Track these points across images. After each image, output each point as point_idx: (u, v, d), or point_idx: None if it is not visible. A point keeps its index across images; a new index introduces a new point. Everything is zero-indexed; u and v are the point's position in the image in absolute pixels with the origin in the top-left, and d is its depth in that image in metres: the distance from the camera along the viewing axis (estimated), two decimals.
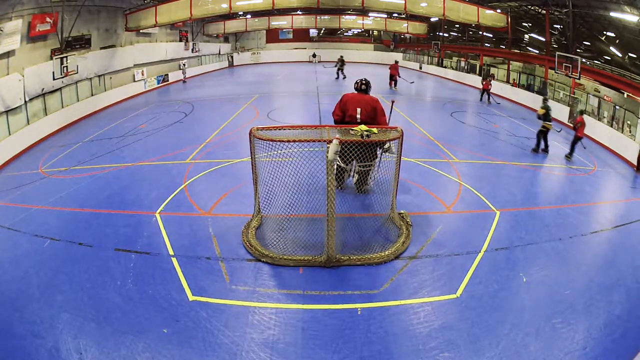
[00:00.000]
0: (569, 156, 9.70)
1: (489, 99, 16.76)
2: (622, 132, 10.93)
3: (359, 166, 6.55)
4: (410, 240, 5.43)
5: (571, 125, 13.20)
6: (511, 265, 5.06)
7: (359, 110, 6.49)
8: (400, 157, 5.66)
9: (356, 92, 6.88)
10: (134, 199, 6.89)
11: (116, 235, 5.67)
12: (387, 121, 6.86)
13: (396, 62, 20.08)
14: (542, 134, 9.94)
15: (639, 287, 4.73)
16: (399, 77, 19.37)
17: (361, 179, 6.74)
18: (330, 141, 4.68)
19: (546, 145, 10.00)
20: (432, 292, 4.49)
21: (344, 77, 21.94)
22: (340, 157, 5.88)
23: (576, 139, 9.68)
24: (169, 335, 3.85)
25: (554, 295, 4.50)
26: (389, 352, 3.70)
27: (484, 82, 17.05)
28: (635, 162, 9.44)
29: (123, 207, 6.61)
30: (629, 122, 10.81)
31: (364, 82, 6.86)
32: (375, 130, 5.27)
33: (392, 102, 7.46)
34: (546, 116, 9.90)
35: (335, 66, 22.74)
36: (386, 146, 6.25)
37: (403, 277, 4.75)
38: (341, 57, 22.73)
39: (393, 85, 19.10)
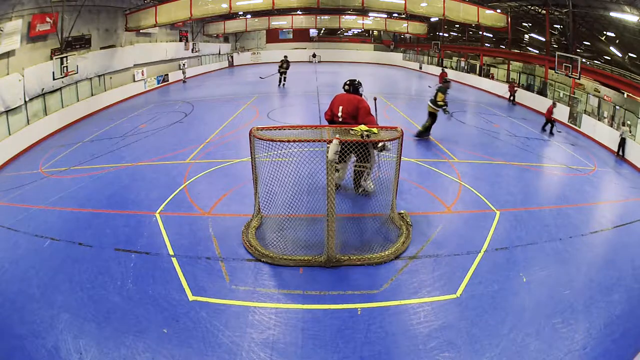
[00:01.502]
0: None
1: (513, 100, 17.17)
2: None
3: (355, 166, 6.55)
4: (410, 240, 5.43)
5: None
6: (511, 265, 5.06)
7: (340, 108, 6.49)
8: (400, 157, 5.66)
9: (344, 92, 6.87)
10: (134, 199, 6.89)
11: (116, 235, 5.67)
12: (376, 120, 6.78)
13: (443, 71, 21.38)
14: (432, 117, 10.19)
15: (639, 287, 4.74)
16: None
17: (356, 179, 6.72)
18: (330, 141, 4.68)
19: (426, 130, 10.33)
20: (432, 292, 4.49)
21: (283, 84, 18.78)
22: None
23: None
24: (169, 335, 3.85)
25: (554, 295, 4.51)
26: (389, 352, 3.70)
27: (509, 86, 17.49)
28: (615, 149, 10.57)
29: (123, 207, 6.61)
30: (629, 122, 10.81)
31: (347, 82, 6.86)
32: (375, 130, 5.26)
33: (375, 98, 7.38)
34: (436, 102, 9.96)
35: (279, 71, 18.72)
36: (380, 145, 6.22)
37: (403, 277, 4.75)
38: (285, 57, 18.92)
39: None
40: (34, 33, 11.79)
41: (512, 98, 17.16)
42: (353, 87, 6.83)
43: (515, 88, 17.24)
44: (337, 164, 6.23)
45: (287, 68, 18.71)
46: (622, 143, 10.19)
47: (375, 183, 6.61)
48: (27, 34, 11.52)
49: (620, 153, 10.30)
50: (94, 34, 15.28)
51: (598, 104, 12.81)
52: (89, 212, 6.44)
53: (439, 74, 20.28)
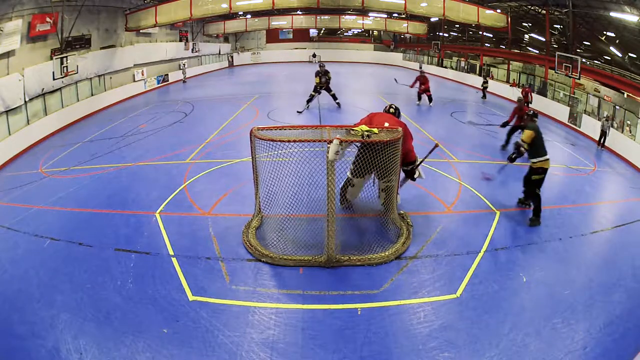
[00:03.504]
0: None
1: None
2: (622, 132, 10.92)
3: (382, 182, 5.80)
4: (410, 241, 5.42)
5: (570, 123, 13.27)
6: (511, 265, 5.06)
7: (387, 124, 5.89)
8: (400, 158, 5.65)
9: (388, 113, 6.48)
10: (134, 199, 6.89)
11: (116, 235, 5.67)
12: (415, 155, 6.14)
13: (525, 86, 16.48)
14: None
15: (639, 287, 4.73)
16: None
17: (388, 198, 5.76)
18: (331, 141, 4.68)
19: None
20: (432, 292, 4.49)
21: (338, 103, 13.39)
22: (354, 168, 5.65)
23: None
24: (169, 335, 3.85)
25: (554, 295, 4.50)
26: (389, 352, 3.70)
27: (522, 90, 14.87)
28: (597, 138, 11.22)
29: (123, 207, 6.61)
30: (628, 122, 10.81)
31: (393, 106, 6.59)
32: (375, 130, 5.26)
33: (436, 145, 6.30)
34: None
35: (317, 88, 12.94)
36: (416, 175, 6.05)
37: (403, 277, 4.75)
38: (321, 66, 13.18)
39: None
40: (34, 33, 11.78)
41: (526, 104, 14.36)
42: (398, 112, 6.58)
43: (530, 94, 14.45)
44: (353, 178, 5.77)
45: (328, 81, 13.12)
46: (603, 134, 11.02)
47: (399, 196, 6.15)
48: (27, 34, 11.52)
49: (603, 143, 11.12)
50: (94, 34, 15.28)
51: (598, 104, 12.80)
52: (89, 212, 6.44)
53: (522, 92, 14.29)
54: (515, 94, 17.18)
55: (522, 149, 5.74)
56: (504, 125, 10.06)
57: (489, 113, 14.57)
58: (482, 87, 17.75)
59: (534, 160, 5.81)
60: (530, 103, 14.51)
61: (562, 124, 13.42)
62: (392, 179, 5.62)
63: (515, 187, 7.53)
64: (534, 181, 5.77)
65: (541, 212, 6.02)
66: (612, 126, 11.14)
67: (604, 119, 11.25)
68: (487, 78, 17.79)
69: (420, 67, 27.78)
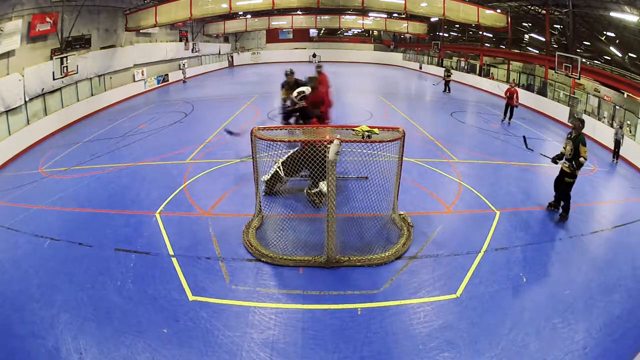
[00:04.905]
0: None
1: (510, 115, 12.92)
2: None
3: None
4: (411, 242, 5.42)
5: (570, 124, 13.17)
6: (511, 265, 5.06)
7: None
8: (401, 159, 5.66)
9: None
10: (134, 199, 6.89)
11: (116, 235, 5.67)
12: None
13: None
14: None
15: (639, 287, 4.74)
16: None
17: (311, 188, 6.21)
18: (331, 141, 4.68)
19: None
20: (432, 292, 4.49)
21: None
22: (288, 169, 5.74)
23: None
24: (169, 335, 3.85)
25: (554, 295, 4.51)
26: (389, 352, 3.70)
27: (506, 92, 13.00)
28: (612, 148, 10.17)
29: (123, 207, 6.61)
30: (628, 122, 10.80)
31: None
32: (377, 130, 5.26)
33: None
34: None
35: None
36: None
37: (403, 277, 4.75)
38: (289, 73, 10.04)
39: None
40: (34, 33, 11.78)
41: (506, 114, 12.91)
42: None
43: (516, 94, 12.75)
44: (285, 177, 5.88)
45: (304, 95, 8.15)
46: (617, 145, 9.94)
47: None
48: (27, 34, 11.52)
49: (617, 154, 9.96)
50: (94, 34, 15.28)
51: (598, 104, 12.80)
52: (89, 212, 6.44)
53: (505, 93, 13.00)
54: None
55: (582, 160, 6.12)
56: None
57: (487, 112, 14.57)
58: (444, 79, 17.12)
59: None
60: (517, 105, 12.88)
61: (562, 124, 13.41)
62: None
63: (516, 188, 7.55)
64: (569, 184, 6.33)
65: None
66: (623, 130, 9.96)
67: (618, 127, 10.12)
68: (451, 69, 16.92)
69: (420, 67, 27.81)
